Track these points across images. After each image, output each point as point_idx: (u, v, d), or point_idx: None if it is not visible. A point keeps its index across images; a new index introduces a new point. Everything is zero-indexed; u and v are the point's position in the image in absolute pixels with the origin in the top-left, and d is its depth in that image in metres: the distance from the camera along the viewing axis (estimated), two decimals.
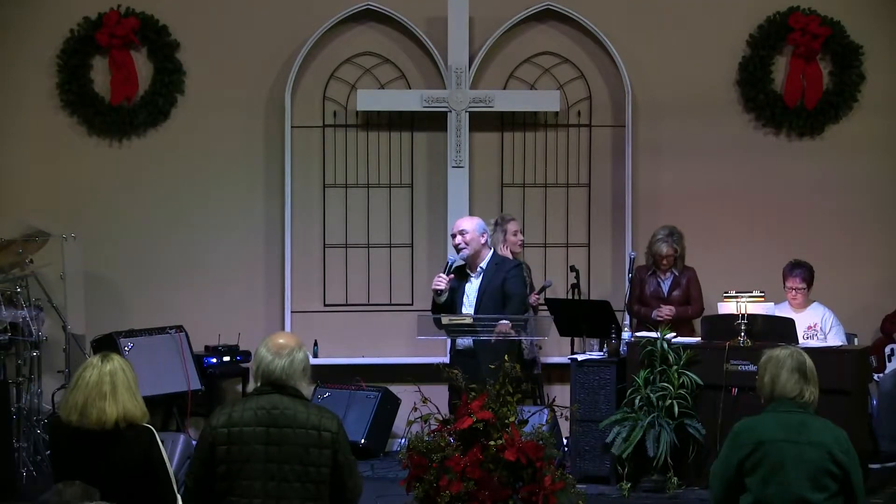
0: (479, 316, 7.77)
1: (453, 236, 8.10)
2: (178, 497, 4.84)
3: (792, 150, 9.87)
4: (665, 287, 9.02)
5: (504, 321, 7.69)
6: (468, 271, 8.07)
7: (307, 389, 5.02)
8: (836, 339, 8.62)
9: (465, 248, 7.99)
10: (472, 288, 8.02)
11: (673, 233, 8.99)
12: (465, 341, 7.90)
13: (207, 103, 9.73)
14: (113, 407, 4.78)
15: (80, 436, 4.79)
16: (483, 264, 8.03)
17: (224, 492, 4.85)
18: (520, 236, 9.00)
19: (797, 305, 8.74)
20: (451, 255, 8.15)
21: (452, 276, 7.98)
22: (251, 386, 5.04)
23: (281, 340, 4.98)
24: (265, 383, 4.93)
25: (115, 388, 4.81)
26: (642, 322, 8.87)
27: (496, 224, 8.93)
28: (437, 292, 7.94)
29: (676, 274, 9.03)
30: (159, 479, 4.78)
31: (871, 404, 8.76)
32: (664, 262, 8.98)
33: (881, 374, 9.14)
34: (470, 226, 8.03)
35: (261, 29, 9.75)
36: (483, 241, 8.06)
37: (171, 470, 4.86)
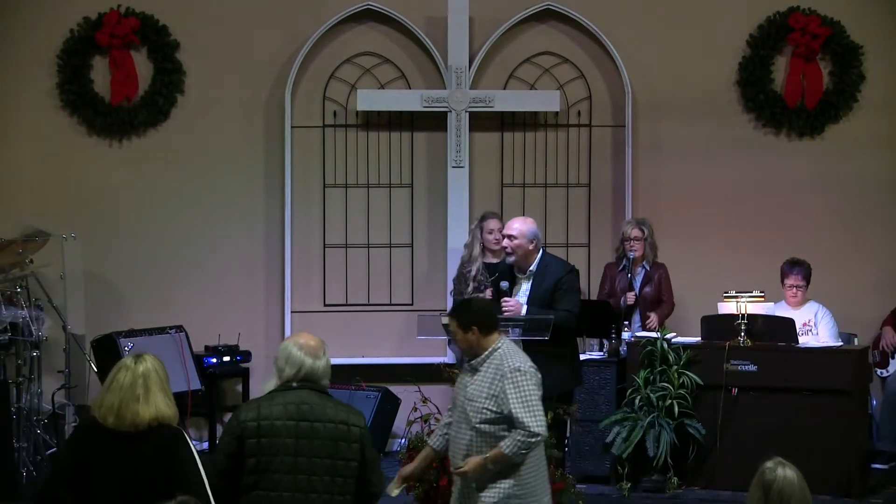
0: None
1: (508, 238, 7.41)
2: (210, 494, 4.82)
3: (792, 150, 9.86)
4: (636, 283, 8.99)
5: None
6: (517, 274, 7.48)
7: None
8: (825, 329, 8.61)
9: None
10: (521, 290, 7.42)
11: (643, 221, 8.99)
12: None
13: (207, 103, 9.73)
14: (146, 409, 4.79)
15: (115, 437, 4.80)
16: (532, 267, 7.37)
17: (250, 485, 4.89)
18: (496, 234, 8.70)
19: (795, 303, 8.74)
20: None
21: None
22: (271, 384, 5.04)
23: (312, 343, 5.06)
24: (302, 381, 4.98)
25: (149, 390, 4.82)
26: None
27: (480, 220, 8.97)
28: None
29: (647, 269, 8.99)
30: (190, 477, 4.77)
31: (871, 404, 8.76)
32: (632, 245, 8.90)
33: (883, 371, 9.14)
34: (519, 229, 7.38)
35: (260, 29, 9.75)
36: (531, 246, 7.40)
37: (201, 467, 4.84)
